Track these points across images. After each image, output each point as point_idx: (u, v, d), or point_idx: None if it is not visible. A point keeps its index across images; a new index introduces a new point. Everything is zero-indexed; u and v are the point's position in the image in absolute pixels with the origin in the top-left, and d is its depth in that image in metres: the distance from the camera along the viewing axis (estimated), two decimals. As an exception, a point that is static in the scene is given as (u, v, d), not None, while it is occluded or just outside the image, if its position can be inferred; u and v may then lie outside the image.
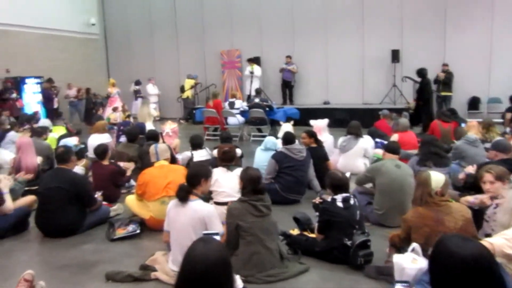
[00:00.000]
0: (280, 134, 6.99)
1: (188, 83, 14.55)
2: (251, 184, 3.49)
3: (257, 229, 3.36)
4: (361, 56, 13.05)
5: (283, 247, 3.64)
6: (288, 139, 5.50)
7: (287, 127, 7.23)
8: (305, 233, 3.92)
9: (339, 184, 3.72)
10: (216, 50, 15.02)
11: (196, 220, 3.31)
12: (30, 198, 4.84)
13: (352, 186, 4.52)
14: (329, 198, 3.74)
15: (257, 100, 10.52)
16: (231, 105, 10.85)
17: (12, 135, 7.87)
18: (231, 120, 10.62)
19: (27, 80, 13.33)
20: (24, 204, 4.69)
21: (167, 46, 15.94)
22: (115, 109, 12.36)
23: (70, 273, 3.65)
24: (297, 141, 5.60)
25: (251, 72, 12.71)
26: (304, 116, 10.58)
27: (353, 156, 6.49)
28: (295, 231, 3.97)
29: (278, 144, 6.17)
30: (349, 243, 3.48)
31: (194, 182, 3.50)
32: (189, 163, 5.77)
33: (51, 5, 14.29)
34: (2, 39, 12.90)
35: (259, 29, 14.33)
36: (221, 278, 1.76)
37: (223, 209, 4.31)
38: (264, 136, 8.06)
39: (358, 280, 3.38)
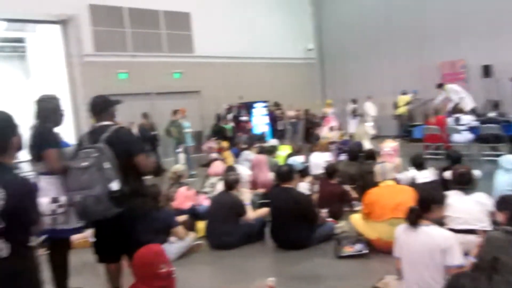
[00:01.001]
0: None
1: (402, 99, 13.96)
2: None
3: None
4: None
5: None
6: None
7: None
8: None
9: None
10: (435, 62, 13.97)
11: (433, 247, 3.01)
12: (265, 210, 5.35)
13: None
14: None
15: (492, 114, 9.22)
16: (457, 121, 9.82)
17: (246, 153, 8.96)
18: (457, 138, 9.59)
19: (255, 105, 15.11)
20: (261, 215, 5.21)
21: (382, 64, 15.69)
22: (331, 128, 12.78)
23: (303, 283, 3.86)
24: None
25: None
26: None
27: None
28: None
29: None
30: None
31: (426, 206, 3.21)
32: (412, 184, 5.41)
33: (275, 36, 15.94)
34: (237, 70, 15.02)
35: (490, 34, 12.62)
36: None
37: (460, 237, 3.86)
38: (499, 155, 6.95)
39: None
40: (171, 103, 12.17)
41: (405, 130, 13.75)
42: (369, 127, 10.65)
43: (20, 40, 18.26)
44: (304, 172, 6.84)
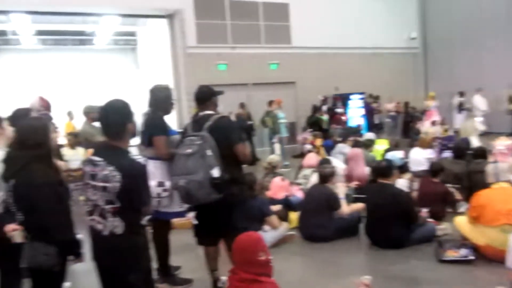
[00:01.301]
0: None
1: (519, 93, 12.54)
2: None
3: None
4: None
5: None
6: None
7: None
8: None
9: None
10: None
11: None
12: (360, 205, 5.20)
13: None
14: None
15: None
16: None
17: (341, 146, 8.77)
18: None
19: (351, 96, 14.69)
20: (356, 210, 5.08)
21: (496, 53, 14.20)
22: (434, 123, 11.98)
23: (399, 284, 3.71)
24: None
25: None
26: None
27: None
28: None
29: None
30: None
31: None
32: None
33: (375, 25, 15.27)
34: (334, 61, 14.73)
35: None
36: None
37: None
38: None
39: None
40: (267, 94, 12.38)
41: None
42: (478, 123, 9.75)
43: (132, 34, 19.95)
44: (403, 169, 6.53)
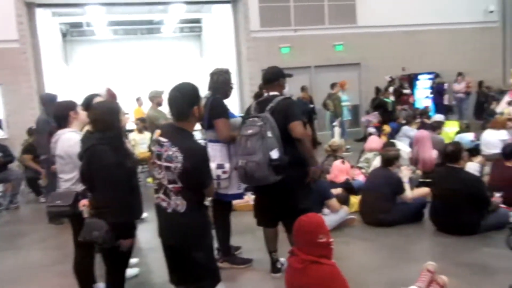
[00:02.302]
0: None
1: None
2: None
3: None
4: None
5: None
6: None
7: None
8: None
9: None
10: None
11: None
12: (425, 190, 5.01)
13: None
14: None
15: None
16: None
17: (406, 128, 8.43)
18: None
19: (419, 77, 13.98)
20: (421, 195, 4.91)
21: None
22: (510, 103, 11.08)
23: (469, 272, 3.55)
24: None
25: None
26: None
27: None
28: None
29: None
30: None
31: None
32: None
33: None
34: (401, 40, 14.07)
35: None
36: None
37: None
38: None
39: None
40: (331, 76, 12.17)
41: None
42: None
43: (197, 21, 20.37)
44: (474, 152, 6.16)
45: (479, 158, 5.99)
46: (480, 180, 4.63)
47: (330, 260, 2.50)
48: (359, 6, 13.52)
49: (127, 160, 2.78)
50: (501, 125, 6.88)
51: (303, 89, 10.75)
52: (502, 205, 4.60)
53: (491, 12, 15.27)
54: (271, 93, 3.52)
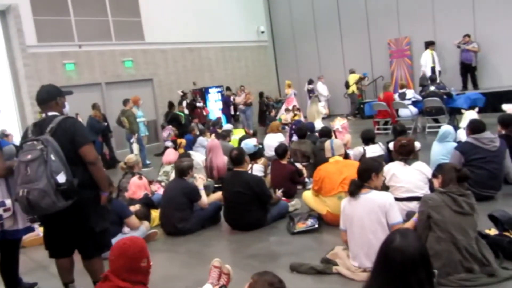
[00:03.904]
0: (463, 123, 6.29)
1: (353, 78, 14.31)
2: (450, 173, 3.17)
3: (452, 226, 3.01)
4: None
5: (486, 251, 3.10)
6: (476, 127, 4.85)
7: (471, 114, 6.45)
8: (507, 233, 3.41)
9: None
10: (383, 40, 14.40)
11: (376, 209, 3.25)
12: (218, 194, 5.38)
13: None
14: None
15: (432, 88, 9.66)
16: (402, 96, 10.24)
17: (201, 139, 8.98)
18: (403, 112, 10.03)
19: (210, 90, 15.02)
20: (216, 199, 5.27)
21: (331, 42, 15.96)
22: (287, 111, 12.98)
23: (258, 262, 3.95)
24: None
25: None
26: (491, 102, 9.35)
27: None
28: (492, 231, 3.49)
29: (461, 134, 5.54)
30: None
31: (365, 176, 3.43)
32: (362, 159, 5.63)
33: (227, 19, 15.79)
34: (190, 56, 14.85)
35: (431, 11, 13.14)
36: (420, 270, 1.77)
37: (402, 205, 4.10)
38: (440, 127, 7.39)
39: None
40: (123, 92, 11.93)
41: (357, 108, 14.15)
42: (321, 107, 10.88)
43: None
44: (257, 155, 6.96)
45: (262, 160, 6.80)
46: (261, 179, 5.19)
47: (145, 286, 2.39)
48: (145, 23, 13.68)
49: None
50: (276, 129, 7.98)
51: (94, 106, 10.22)
52: (283, 198, 5.34)
53: (263, 32, 17.58)
54: (50, 114, 3.27)
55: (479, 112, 7.14)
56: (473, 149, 4.73)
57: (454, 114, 9.15)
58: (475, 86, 11.86)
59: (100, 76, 12.64)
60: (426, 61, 11.63)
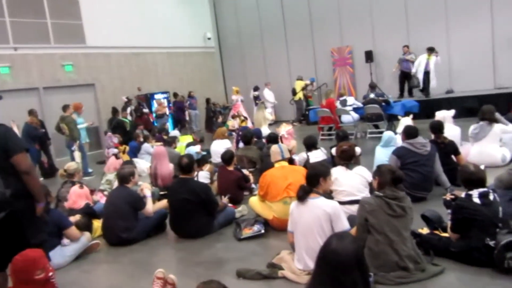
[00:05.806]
0: (399, 128, 6.66)
1: (299, 84, 14.66)
2: (385, 175, 3.32)
3: (387, 228, 3.18)
4: (490, 37, 11.81)
5: (417, 250, 3.33)
6: (410, 133, 5.18)
7: (406, 121, 6.88)
8: (436, 232, 3.65)
9: (472, 179, 3.39)
10: (326, 48, 14.90)
11: (321, 216, 3.33)
12: (164, 202, 5.28)
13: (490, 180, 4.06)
14: (462, 194, 3.43)
15: (372, 95, 10.15)
16: (343, 103, 10.64)
17: (146, 146, 8.80)
18: (345, 118, 10.42)
19: (156, 96, 14.76)
20: (162, 207, 5.17)
21: (277, 50, 16.28)
22: (234, 117, 13.03)
23: (205, 269, 3.92)
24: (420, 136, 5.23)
25: None
26: (425, 109, 9.96)
27: (488, 144, 5.95)
28: (425, 230, 3.72)
29: (398, 139, 5.86)
30: (492, 243, 3.14)
31: (314, 181, 3.53)
32: (306, 165, 5.77)
33: (173, 25, 15.63)
34: (135, 61, 14.50)
35: (370, 22, 13.82)
36: (355, 271, 1.84)
37: (345, 208, 4.25)
38: (381, 133, 7.78)
39: (508, 286, 3.02)
40: (63, 98, 11.41)
41: (303, 114, 14.50)
42: (268, 113, 11.04)
43: None
44: (202, 162, 6.91)
45: (208, 167, 6.76)
46: (207, 186, 5.19)
47: None
48: (87, 26, 13.20)
49: None
50: (223, 135, 7.98)
51: (31, 112, 9.69)
52: (230, 204, 5.34)
53: (209, 38, 17.56)
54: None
55: (413, 119, 7.58)
56: (408, 153, 5.02)
57: (392, 120, 9.65)
58: (411, 94, 12.59)
59: (37, 80, 12.01)
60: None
